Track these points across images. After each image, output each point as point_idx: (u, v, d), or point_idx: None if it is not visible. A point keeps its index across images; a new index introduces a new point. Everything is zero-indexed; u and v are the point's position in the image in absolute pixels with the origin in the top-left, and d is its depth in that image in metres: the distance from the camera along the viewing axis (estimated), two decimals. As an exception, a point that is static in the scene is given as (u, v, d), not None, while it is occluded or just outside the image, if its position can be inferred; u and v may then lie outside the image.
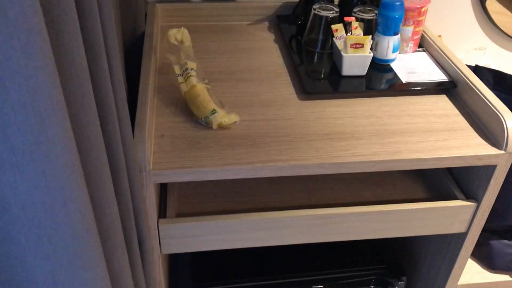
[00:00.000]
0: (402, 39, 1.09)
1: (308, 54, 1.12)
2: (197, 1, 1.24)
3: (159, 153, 0.81)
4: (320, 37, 1.10)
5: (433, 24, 1.37)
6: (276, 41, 1.19)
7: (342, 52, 1.00)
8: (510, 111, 0.88)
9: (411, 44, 1.11)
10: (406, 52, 1.12)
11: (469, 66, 1.18)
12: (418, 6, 1.05)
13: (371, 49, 1.03)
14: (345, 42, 1.00)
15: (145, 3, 1.18)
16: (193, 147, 0.83)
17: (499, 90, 1.15)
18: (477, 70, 1.16)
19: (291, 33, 1.19)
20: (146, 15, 1.16)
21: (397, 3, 1.00)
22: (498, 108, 0.89)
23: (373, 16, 1.08)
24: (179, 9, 1.22)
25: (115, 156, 0.60)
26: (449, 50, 1.08)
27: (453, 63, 1.04)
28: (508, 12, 1.39)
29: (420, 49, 1.14)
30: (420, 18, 1.07)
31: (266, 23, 1.26)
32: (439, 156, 0.85)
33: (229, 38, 1.19)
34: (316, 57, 1.10)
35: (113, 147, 0.59)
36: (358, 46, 0.99)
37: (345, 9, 1.13)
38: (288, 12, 1.25)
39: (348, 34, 1.02)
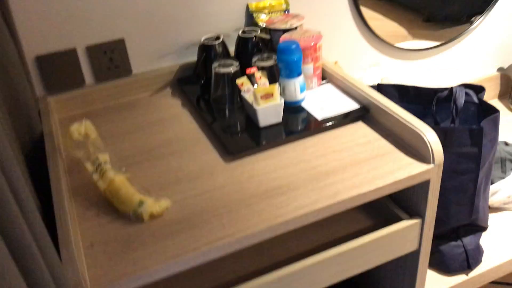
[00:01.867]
0: (306, 77, 1.11)
1: (219, 112, 1.09)
2: (91, 85, 1.17)
3: (94, 268, 0.72)
4: (227, 93, 1.08)
5: (327, 53, 1.42)
6: (184, 105, 1.15)
7: (254, 106, 0.98)
8: (426, 125, 0.91)
9: (315, 80, 1.13)
10: (312, 88, 1.13)
11: (373, 87, 1.22)
12: (313, 44, 1.07)
13: (280, 94, 1.03)
14: (254, 95, 0.98)
15: (35, 100, 1.09)
16: (128, 248, 0.76)
17: (407, 102, 1.20)
18: (381, 88, 1.21)
19: (197, 94, 1.16)
20: (39, 112, 1.07)
21: (293, 46, 1.02)
22: (414, 125, 0.92)
23: (273, 62, 1.08)
24: (73, 97, 1.14)
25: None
26: (350, 77, 1.11)
27: (359, 89, 1.06)
28: (380, 16, 1.44)
29: (324, 81, 1.16)
30: (317, 54, 1.10)
31: (169, 90, 1.22)
32: (376, 187, 0.85)
33: (135, 114, 1.13)
34: (228, 113, 1.08)
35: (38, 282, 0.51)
36: (268, 96, 0.98)
37: (244, 59, 1.13)
38: (188, 73, 1.23)
39: (255, 86, 1.01)
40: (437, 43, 1.57)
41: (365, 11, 1.38)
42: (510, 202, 1.27)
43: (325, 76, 1.18)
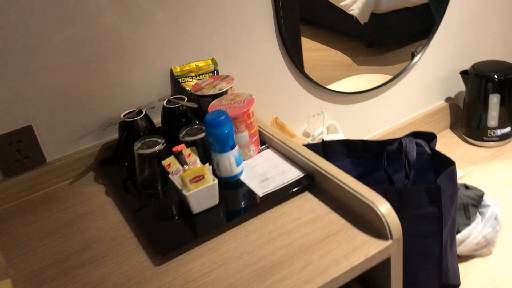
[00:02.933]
0: (242, 146, 0.99)
1: (148, 198, 0.95)
2: (-3, 182, 1.02)
3: None
4: (154, 175, 0.95)
5: (265, 110, 1.32)
6: (108, 193, 1.01)
7: (183, 191, 0.85)
8: (377, 194, 0.81)
9: (252, 147, 1.01)
10: (251, 156, 1.02)
11: (316, 144, 1.12)
12: (245, 110, 0.96)
13: (214, 170, 0.91)
14: (182, 180, 0.86)
15: None
16: None
17: (355, 157, 1.11)
18: (327, 146, 1.11)
19: (122, 177, 1.02)
20: None
21: (222, 118, 0.90)
22: (365, 195, 0.81)
23: (204, 134, 0.96)
24: (-25, 200, 0.99)
25: None
26: (291, 140, 1.01)
27: (301, 154, 0.96)
28: (323, 46, 1.37)
29: (264, 146, 1.05)
30: (251, 120, 0.99)
31: (91, 174, 1.08)
32: (331, 278, 0.73)
33: (51, 210, 0.98)
34: (158, 200, 0.94)
35: None
36: (199, 178, 0.86)
37: (172, 133, 1.01)
38: (111, 153, 1.09)
39: (184, 166, 0.89)
40: (383, 80, 1.50)
41: (309, 42, 1.31)
42: (480, 249, 1.18)
43: (264, 141, 1.07)
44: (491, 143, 1.61)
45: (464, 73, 1.60)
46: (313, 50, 1.36)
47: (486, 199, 1.18)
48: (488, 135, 1.59)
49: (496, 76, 1.51)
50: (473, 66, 1.59)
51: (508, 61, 1.58)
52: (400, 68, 1.52)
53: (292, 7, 1.24)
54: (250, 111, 0.98)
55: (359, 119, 1.53)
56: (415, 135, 1.04)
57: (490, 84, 1.53)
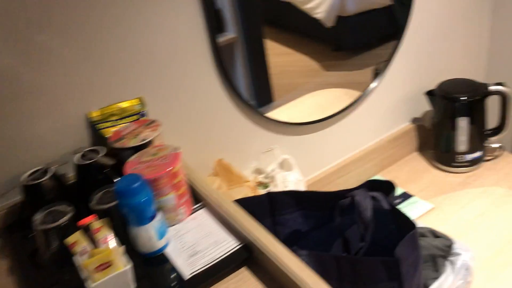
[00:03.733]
0: (168, 211, 0.83)
1: (53, 280, 0.79)
2: None
3: None
4: (60, 254, 0.79)
5: (208, 150, 1.16)
6: (12, 271, 0.84)
7: (88, 284, 0.69)
8: (321, 282, 0.66)
9: (182, 210, 0.86)
10: (180, 221, 0.86)
11: (261, 197, 0.97)
12: (168, 169, 0.80)
13: (133, 244, 0.75)
14: (86, 268, 0.69)
15: None
16: None
17: (305, 209, 0.96)
18: (273, 198, 0.96)
19: (26, 252, 0.85)
20: None
21: (135, 185, 0.74)
22: (307, 281, 0.66)
23: (118, 200, 0.80)
24: None
25: None
26: (226, 200, 0.85)
27: (236, 219, 0.80)
28: (290, 50, 1.24)
29: (198, 205, 0.90)
30: (178, 179, 0.83)
31: (-7, 245, 0.90)
32: None
33: None
34: (62, 284, 0.78)
35: None
36: (105, 266, 0.70)
37: (87, 196, 0.84)
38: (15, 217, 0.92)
39: (92, 247, 0.73)
40: (346, 96, 1.36)
41: (276, 46, 1.18)
42: (451, 303, 1.04)
43: (199, 198, 0.91)
44: (462, 168, 1.48)
45: (429, 94, 1.47)
46: (280, 55, 1.23)
47: (457, 246, 1.05)
48: (458, 160, 1.47)
49: (464, 98, 1.39)
50: (439, 86, 1.46)
51: (477, 79, 1.46)
52: (367, 75, 1.38)
53: (255, 31, 1.09)
54: (176, 169, 0.82)
55: (316, 150, 1.38)
56: (371, 185, 0.90)
57: (458, 106, 1.40)
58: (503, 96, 1.42)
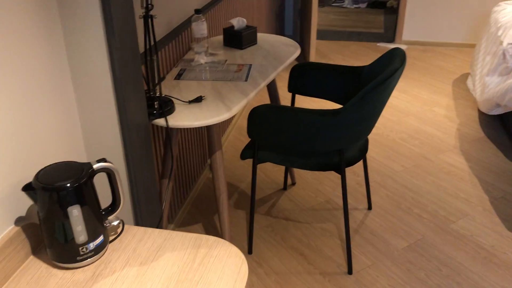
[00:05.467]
0: None
1: None
2: None
3: None
4: None
5: None
6: None
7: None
8: None
9: None
10: None
11: None
12: None
13: None
14: None
15: None
16: None
17: None
18: None
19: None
20: None
21: None
22: None
23: None
24: None
25: None
26: None
27: None
28: None
29: None
30: None
31: None
32: None
33: None
34: None
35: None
36: None
37: None
38: None
39: None
40: None
41: None
42: None
43: None
44: (88, 260, 1.31)
45: (28, 189, 1.24)
46: None
47: None
48: (82, 252, 1.29)
49: (68, 185, 1.23)
50: (36, 177, 1.25)
51: (76, 159, 1.33)
52: None
53: None
54: None
55: None
56: None
57: (64, 195, 1.23)
58: (108, 172, 1.34)
